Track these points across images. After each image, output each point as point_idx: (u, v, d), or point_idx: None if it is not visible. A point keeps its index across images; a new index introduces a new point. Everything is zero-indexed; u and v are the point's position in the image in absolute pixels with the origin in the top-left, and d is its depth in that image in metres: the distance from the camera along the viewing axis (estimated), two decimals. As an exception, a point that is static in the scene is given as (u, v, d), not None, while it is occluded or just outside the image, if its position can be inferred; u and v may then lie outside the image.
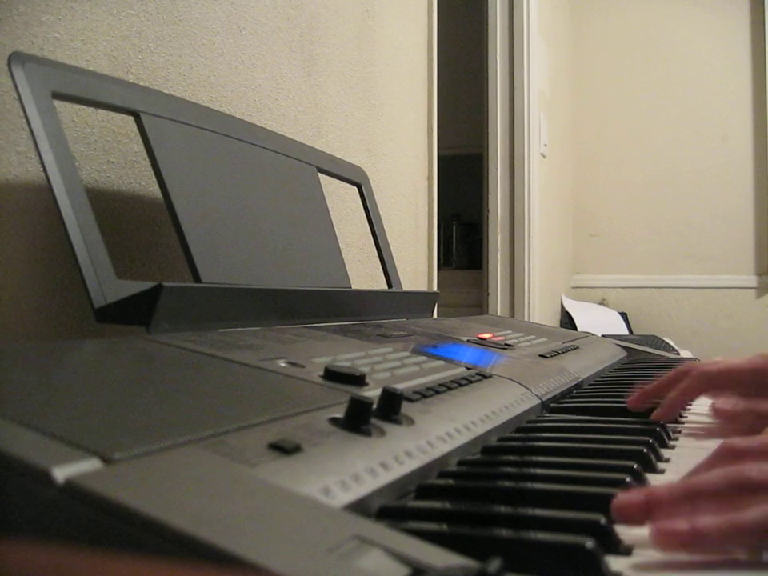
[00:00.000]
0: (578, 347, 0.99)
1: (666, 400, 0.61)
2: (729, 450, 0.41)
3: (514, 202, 2.48)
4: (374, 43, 1.43)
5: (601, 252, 3.35)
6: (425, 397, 0.50)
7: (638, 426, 0.57)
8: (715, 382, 0.62)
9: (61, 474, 0.26)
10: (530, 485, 0.40)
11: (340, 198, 1.21)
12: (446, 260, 3.25)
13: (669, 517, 0.35)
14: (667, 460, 0.50)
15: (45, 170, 0.56)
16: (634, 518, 0.36)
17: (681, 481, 0.40)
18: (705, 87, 3.21)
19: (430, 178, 1.75)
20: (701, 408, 0.71)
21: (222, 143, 0.77)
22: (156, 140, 0.68)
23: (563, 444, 0.52)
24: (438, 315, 1.21)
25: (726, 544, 0.34)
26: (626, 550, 0.33)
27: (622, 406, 0.67)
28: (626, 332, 3.01)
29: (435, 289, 1.73)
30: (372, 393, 0.46)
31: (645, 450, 0.48)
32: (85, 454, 0.28)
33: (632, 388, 0.80)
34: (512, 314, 2.44)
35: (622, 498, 0.37)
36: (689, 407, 0.71)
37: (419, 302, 1.04)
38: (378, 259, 1.08)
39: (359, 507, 0.33)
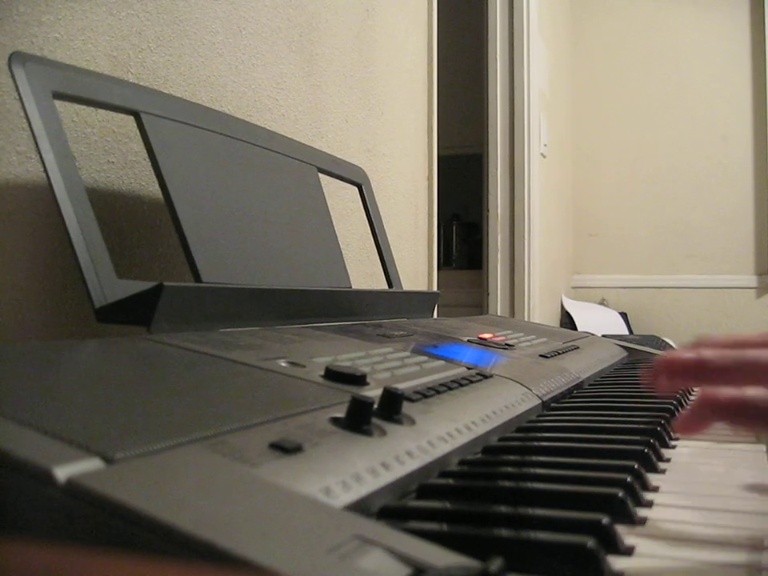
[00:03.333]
0: (578, 347, 0.99)
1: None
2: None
3: (514, 202, 2.48)
4: (374, 43, 1.43)
5: (601, 252, 3.35)
6: (426, 397, 0.50)
7: (639, 426, 0.57)
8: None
9: (62, 473, 0.26)
10: (530, 485, 0.40)
11: (340, 198, 1.21)
12: (446, 260, 3.26)
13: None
14: (668, 460, 0.50)
15: (45, 170, 0.56)
16: (679, 374, 0.39)
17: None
18: (705, 87, 3.21)
19: (429, 178, 1.75)
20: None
21: (222, 143, 0.77)
22: (156, 140, 0.68)
23: (564, 444, 0.52)
24: (437, 315, 1.21)
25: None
26: (627, 550, 0.33)
27: (623, 405, 0.67)
28: (626, 332, 3.01)
29: (435, 289, 1.73)
30: (373, 393, 0.46)
31: (645, 450, 0.48)
32: (86, 453, 0.28)
33: (633, 388, 0.80)
34: (512, 314, 2.44)
35: (670, 354, 0.40)
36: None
37: (419, 302, 1.04)
38: (378, 259, 1.08)
39: (360, 507, 0.33)
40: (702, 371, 0.39)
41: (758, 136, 3.14)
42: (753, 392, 0.37)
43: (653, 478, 0.44)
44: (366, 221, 1.07)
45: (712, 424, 0.38)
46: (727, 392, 0.37)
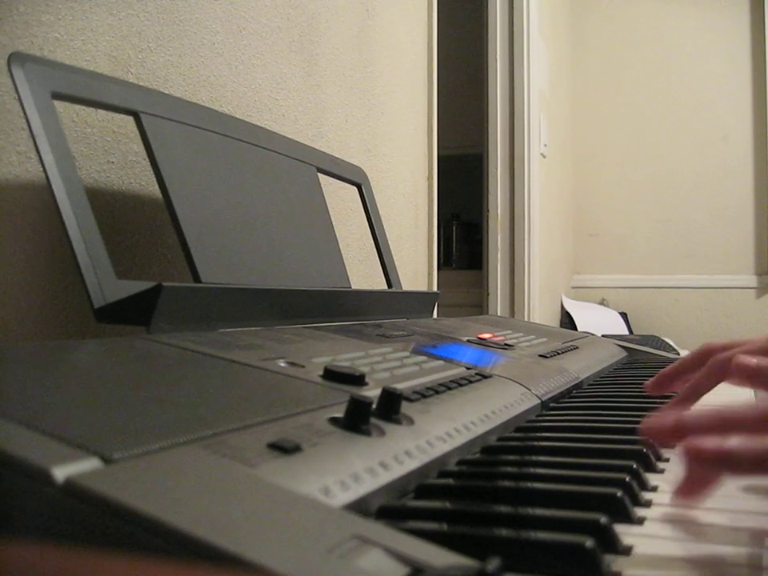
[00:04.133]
0: (577, 347, 0.99)
1: (681, 393, 0.60)
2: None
3: (514, 202, 2.48)
4: (374, 43, 1.43)
5: (601, 252, 3.35)
6: (424, 397, 0.50)
7: (638, 426, 0.56)
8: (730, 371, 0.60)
9: (60, 473, 0.26)
10: (529, 484, 0.40)
11: (340, 198, 1.21)
12: (446, 260, 3.25)
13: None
14: (667, 460, 0.50)
15: (45, 170, 0.56)
16: (663, 438, 0.39)
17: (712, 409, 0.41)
18: (705, 87, 3.21)
19: (430, 178, 1.75)
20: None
21: (221, 143, 0.77)
22: (156, 140, 0.68)
23: (563, 444, 0.52)
24: (437, 315, 1.21)
25: (754, 468, 0.35)
26: (625, 550, 0.33)
27: (622, 405, 0.67)
28: (626, 332, 3.01)
29: (435, 289, 1.73)
30: (372, 392, 0.46)
31: (644, 450, 0.48)
32: (85, 453, 0.28)
33: (632, 388, 0.80)
34: (512, 314, 2.44)
35: (652, 420, 0.39)
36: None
37: (419, 302, 1.04)
38: (377, 259, 1.08)
39: (359, 507, 0.33)
40: (685, 433, 0.39)
41: (758, 136, 3.14)
42: (736, 441, 0.37)
43: (652, 478, 0.44)
44: (366, 221, 1.07)
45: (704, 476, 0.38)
46: (711, 442, 0.37)
